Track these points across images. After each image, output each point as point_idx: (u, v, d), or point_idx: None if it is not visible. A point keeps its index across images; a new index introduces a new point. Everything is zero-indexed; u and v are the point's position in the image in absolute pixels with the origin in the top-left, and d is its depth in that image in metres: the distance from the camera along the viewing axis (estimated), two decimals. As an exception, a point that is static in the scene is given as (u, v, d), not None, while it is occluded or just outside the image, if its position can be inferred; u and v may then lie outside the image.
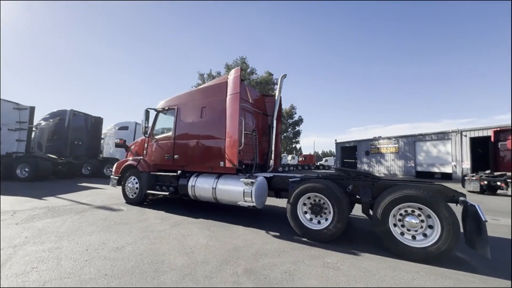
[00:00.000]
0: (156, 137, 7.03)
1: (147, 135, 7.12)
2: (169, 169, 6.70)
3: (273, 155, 6.79)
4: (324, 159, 54.20)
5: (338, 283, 2.90)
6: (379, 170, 29.71)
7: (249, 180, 5.19)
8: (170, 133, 6.70)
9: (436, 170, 24.66)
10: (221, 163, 5.68)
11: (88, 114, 16.41)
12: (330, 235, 4.23)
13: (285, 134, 49.63)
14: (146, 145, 7.22)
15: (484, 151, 21.97)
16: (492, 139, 15.32)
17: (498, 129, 15.53)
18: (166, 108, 6.96)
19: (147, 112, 6.89)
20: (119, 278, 2.84)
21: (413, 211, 3.86)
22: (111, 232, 4.49)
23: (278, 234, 4.72)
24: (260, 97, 7.51)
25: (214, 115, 5.95)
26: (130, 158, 7.59)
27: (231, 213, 6.36)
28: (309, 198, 4.64)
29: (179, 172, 6.26)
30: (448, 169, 23.61)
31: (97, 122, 16.99)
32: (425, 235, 3.76)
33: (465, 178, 14.35)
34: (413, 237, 3.82)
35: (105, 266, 3.12)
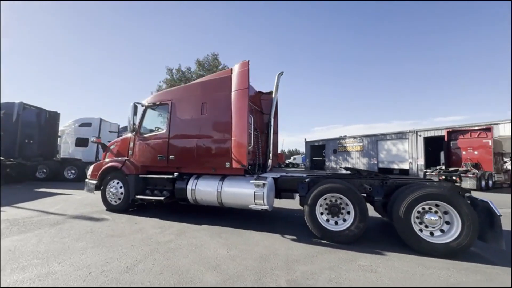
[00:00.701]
0: (145, 135, 6.26)
1: (134, 133, 6.29)
2: (161, 171, 6.03)
3: (271, 155, 6.57)
4: (292, 157, 55.75)
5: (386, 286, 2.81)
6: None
7: (261, 182, 4.89)
8: (163, 131, 6.01)
9: (395, 166, 27.08)
10: (227, 164, 5.26)
11: (42, 108, 14.17)
12: (352, 236, 4.17)
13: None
14: (131, 144, 6.38)
15: (433, 149, 24.84)
16: (446, 138, 17.28)
17: (450, 130, 17.58)
18: (157, 103, 6.23)
19: (135, 107, 6.08)
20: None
21: (430, 209, 4.00)
22: (108, 247, 3.79)
23: (295, 237, 4.52)
24: (256, 94, 7.20)
25: (218, 112, 5.48)
26: (110, 159, 6.66)
27: (232, 216, 5.98)
28: (325, 199, 4.54)
29: (175, 174, 5.65)
30: (405, 166, 26.10)
31: (53, 117, 14.77)
32: (442, 231, 3.92)
33: (426, 173, 15.95)
34: (431, 234, 3.95)
35: (124, 292, 2.57)
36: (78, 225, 4.99)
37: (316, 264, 3.37)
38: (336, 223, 4.46)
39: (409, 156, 25.78)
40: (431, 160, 24.19)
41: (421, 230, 3.98)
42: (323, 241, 4.31)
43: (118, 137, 18.32)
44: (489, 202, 3.77)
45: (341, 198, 4.45)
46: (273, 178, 5.27)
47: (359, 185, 4.65)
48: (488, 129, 15.30)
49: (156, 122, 6.47)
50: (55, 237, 4.20)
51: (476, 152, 15.75)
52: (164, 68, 38.29)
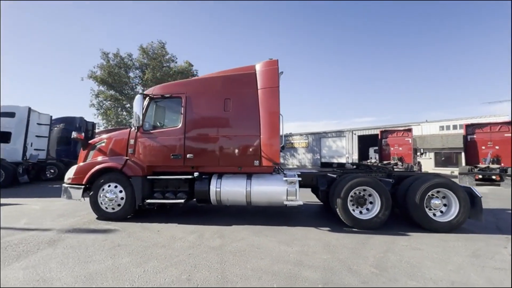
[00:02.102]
0: (152, 131, 5.52)
1: (135, 128, 5.45)
2: (172, 171, 5.47)
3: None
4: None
5: (446, 259, 3.48)
6: (293, 163, 34.15)
7: (295, 179, 5.08)
8: (177, 127, 5.43)
9: (334, 160, 30.84)
10: (256, 162, 5.22)
11: None
12: (380, 222, 4.84)
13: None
14: (132, 141, 5.52)
15: (363, 146, 29.55)
16: (379, 137, 20.78)
17: (383, 129, 21.22)
18: (167, 95, 5.57)
19: (143, 99, 5.28)
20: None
21: (432, 195, 5.02)
22: (163, 260, 3.33)
23: (329, 228, 4.91)
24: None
25: (243, 108, 5.33)
26: (101, 158, 5.60)
27: (244, 215, 5.96)
28: (354, 192, 5.07)
29: (196, 174, 5.24)
30: (343, 160, 30.07)
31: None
32: (441, 212, 4.98)
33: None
34: (434, 215, 4.97)
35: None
36: (89, 240, 4.10)
37: (374, 249, 3.83)
38: (361, 212, 5.07)
39: (346, 152, 29.84)
40: (362, 155, 28.71)
41: (434, 214, 4.92)
42: (353, 229, 4.84)
43: (50, 130, 15.15)
44: (471, 187, 5.00)
45: (364, 190, 5.07)
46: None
47: (379, 178, 5.36)
48: (409, 130, 19.17)
49: (162, 116, 5.79)
50: (79, 258, 3.39)
51: (400, 148, 19.51)
52: (98, 51, 32.92)
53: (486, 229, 4.97)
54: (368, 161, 24.28)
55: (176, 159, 5.36)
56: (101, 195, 5.33)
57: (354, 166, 7.93)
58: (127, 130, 5.71)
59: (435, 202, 4.93)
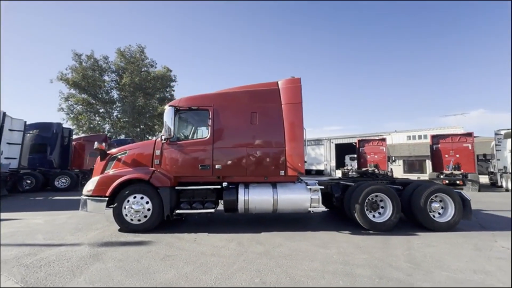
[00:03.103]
0: (179, 142, 5.61)
1: (164, 139, 5.51)
2: (196, 182, 5.60)
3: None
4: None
5: (458, 253, 4.16)
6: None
7: (318, 187, 5.55)
8: (205, 138, 5.61)
9: (313, 167, 32.32)
10: (281, 172, 5.60)
11: None
12: (392, 224, 5.48)
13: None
14: (157, 151, 5.56)
15: (340, 154, 31.45)
16: (357, 145, 22.40)
17: (360, 138, 22.91)
18: (194, 107, 5.73)
19: (175, 110, 5.38)
20: None
21: (431, 199, 5.83)
22: (228, 266, 3.52)
23: (349, 232, 5.43)
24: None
25: (269, 121, 5.72)
26: (125, 170, 5.52)
27: (262, 221, 6.28)
28: (369, 198, 5.69)
29: (224, 184, 5.44)
30: (321, 167, 31.64)
31: None
32: (439, 213, 5.81)
33: (348, 173, 20.27)
34: (433, 216, 5.78)
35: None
36: (132, 252, 4.07)
37: (399, 248, 4.40)
38: (374, 216, 5.69)
39: (324, 159, 31.43)
40: (339, 162, 30.49)
41: (433, 216, 5.69)
42: (370, 232, 5.42)
43: (23, 136, 13.85)
44: (461, 192, 5.92)
45: (376, 196, 5.72)
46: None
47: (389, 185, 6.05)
48: (383, 139, 21.01)
49: (182, 128, 5.93)
50: (139, 269, 3.42)
51: (376, 156, 21.23)
52: (69, 52, 30.78)
53: (473, 227, 5.89)
54: (345, 168, 25.95)
55: (205, 169, 5.52)
56: (126, 206, 5.25)
57: (358, 175, 8.68)
58: (152, 141, 5.74)
59: (435, 205, 5.74)
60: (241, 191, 5.52)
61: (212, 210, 5.32)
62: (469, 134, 16.89)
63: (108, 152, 5.85)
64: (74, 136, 20.73)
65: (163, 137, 5.56)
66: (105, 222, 5.84)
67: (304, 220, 6.57)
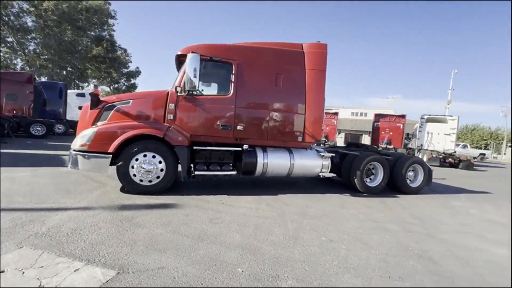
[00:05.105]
0: (198, 97, 4.91)
1: (180, 92, 4.72)
2: (211, 142, 5.17)
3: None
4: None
5: (444, 210, 5.28)
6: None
7: (329, 154, 5.91)
8: (228, 95, 5.06)
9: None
10: (299, 138, 5.68)
11: None
12: (381, 188, 6.43)
13: (116, 85, 40.94)
14: (172, 105, 4.78)
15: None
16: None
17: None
18: (217, 59, 4.98)
19: (199, 58, 4.53)
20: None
21: (407, 168, 7.03)
22: (279, 223, 3.58)
23: (349, 194, 6.13)
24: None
25: (292, 85, 5.53)
26: (130, 123, 4.60)
27: (270, 185, 6.48)
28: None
29: (245, 147, 5.20)
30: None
31: None
32: (410, 180, 7.09)
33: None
34: (408, 182, 7.03)
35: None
36: (168, 216, 3.64)
37: (397, 208, 5.28)
38: (366, 181, 6.54)
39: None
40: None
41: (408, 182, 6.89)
42: (363, 194, 6.25)
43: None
44: (426, 163, 7.30)
45: (370, 164, 6.52)
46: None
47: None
48: (336, 113, 23.12)
49: (206, 81, 5.20)
50: (197, 232, 3.14)
51: (328, 128, 23.40)
52: None
53: (429, 191, 7.44)
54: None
55: (225, 130, 5.10)
56: (135, 166, 4.52)
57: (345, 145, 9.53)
58: (164, 92, 4.86)
59: (409, 173, 6.95)
60: (259, 154, 5.40)
61: (234, 172, 5.12)
62: (403, 116, 20.21)
63: (101, 99, 4.71)
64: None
65: (178, 89, 4.77)
66: (90, 182, 4.99)
67: (302, 183, 7.03)
